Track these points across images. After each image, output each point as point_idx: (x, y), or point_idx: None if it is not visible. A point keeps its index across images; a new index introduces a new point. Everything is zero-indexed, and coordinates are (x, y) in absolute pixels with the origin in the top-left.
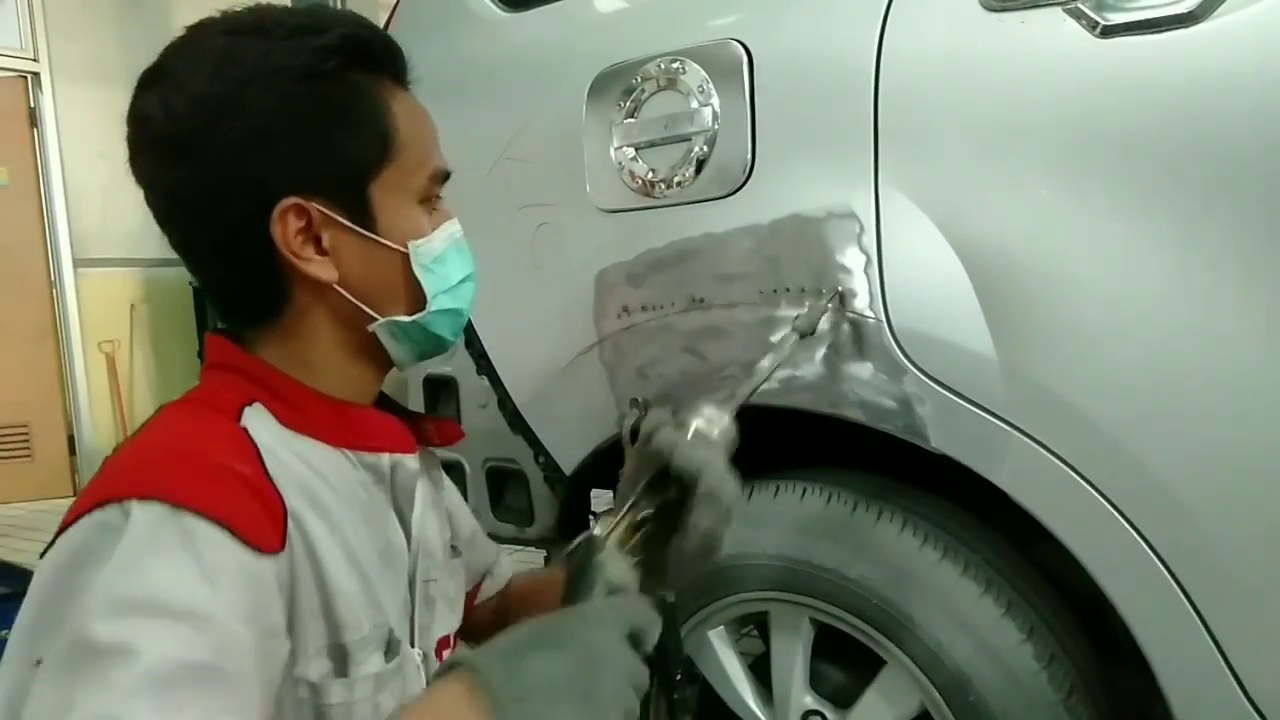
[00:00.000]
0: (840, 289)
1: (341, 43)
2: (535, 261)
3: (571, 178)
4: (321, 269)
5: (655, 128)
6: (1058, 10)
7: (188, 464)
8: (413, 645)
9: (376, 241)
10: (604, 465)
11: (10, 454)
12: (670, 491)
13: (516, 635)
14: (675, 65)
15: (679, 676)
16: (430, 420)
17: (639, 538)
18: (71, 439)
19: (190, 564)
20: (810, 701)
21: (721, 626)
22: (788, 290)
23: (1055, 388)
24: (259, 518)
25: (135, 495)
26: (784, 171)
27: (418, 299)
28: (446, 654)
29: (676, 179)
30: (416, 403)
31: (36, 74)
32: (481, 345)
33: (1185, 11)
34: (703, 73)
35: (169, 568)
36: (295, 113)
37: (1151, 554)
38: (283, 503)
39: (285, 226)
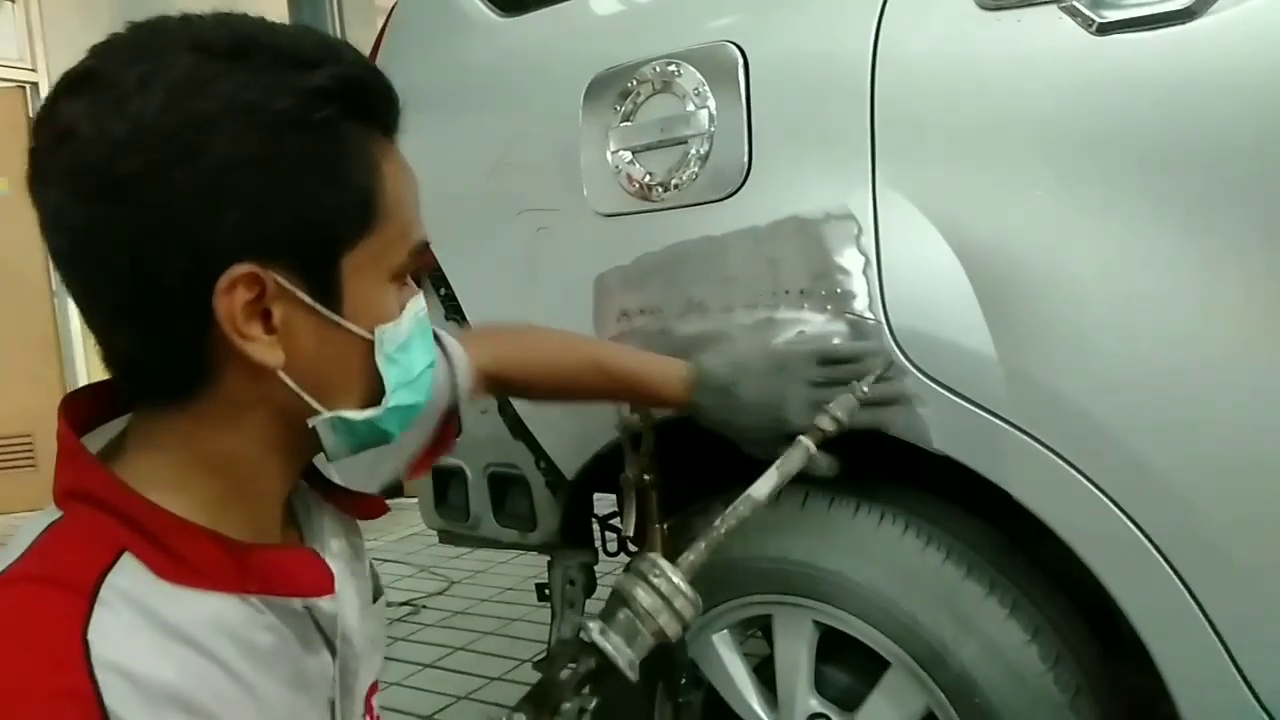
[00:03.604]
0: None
1: (336, 85)
2: (534, 266)
3: (569, 182)
4: (267, 352)
5: (652, 131)
6: (1053, 8)
7: None
8: None
9: (338, 324)
10: (605, 470)
11: (14, 464)
12: (592, 701)
13: None
14: (671, 68)
15: (683, 681)
16: (350, 497)
17: None
18: None
19: None
20: (815, 704)
21: (726, 630)
22: (786, 293)
23: (1056, 387)
24: None
25: None
26: (781, 174)
27: (373, 391)
28: (375, 699)
29: (674, 182)
30: None
31: (35, 84)
32: None
33: (1181, 8)
34: (698, 75)
35: None
36: (269, 165)
37: (1156, 553)
38: None
39: (233, 298)
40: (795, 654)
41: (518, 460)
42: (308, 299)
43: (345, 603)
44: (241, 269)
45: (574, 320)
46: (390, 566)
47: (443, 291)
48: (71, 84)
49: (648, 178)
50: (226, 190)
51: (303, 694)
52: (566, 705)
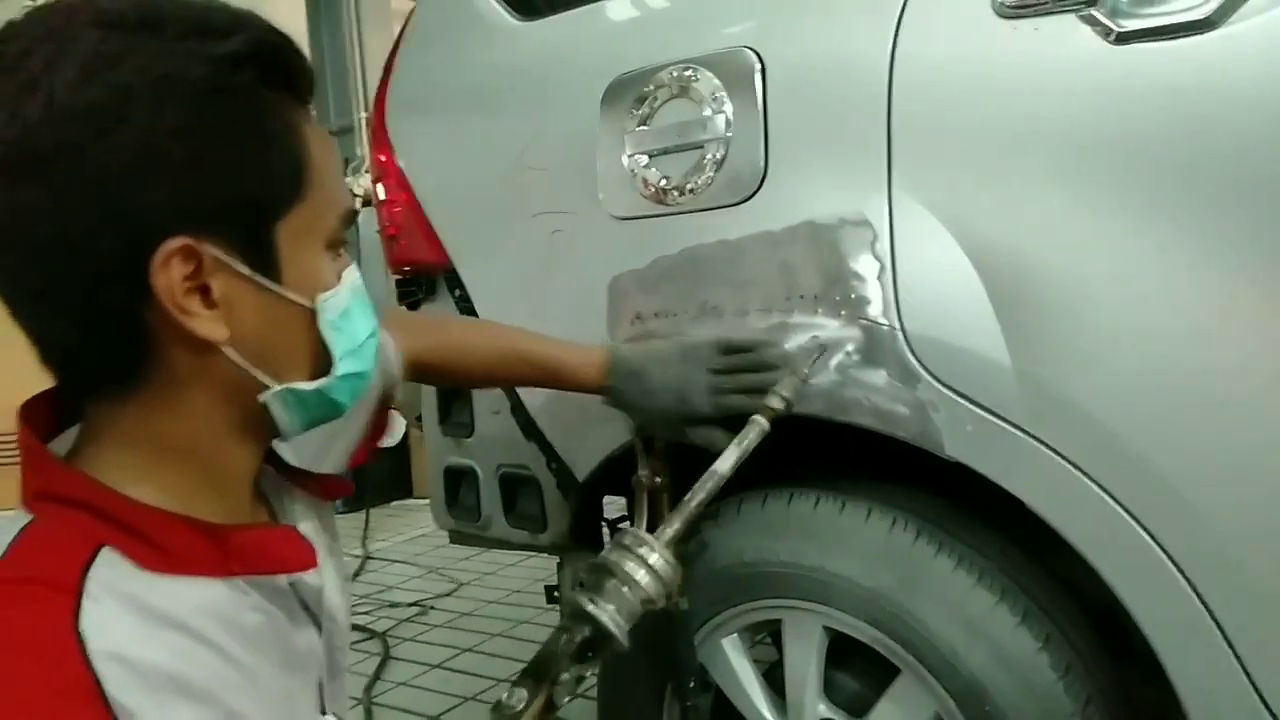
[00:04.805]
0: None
1: (250, 51)
2: (548, 268)
3: (585, 185)
4: (210, 327)
5: (668, 135)
6: (1072, 17)
7: None
8: (324, 712)
9: (279, 295)
10: (617, 472)
11: (12, 460)
12: (591, 667)
13: None
14: (688, 73)
15: (692, 684)
16: (314, 479)
17: None
18: None
19: None
20: (824, 709)
21: (735, 634)
22: (801, 298)
23: (1070, 394)
24: None
25: None
26: (797, 178)
27: (319, 362)
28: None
29: (689, 186)
30: (429, 411)
31: None
32: None
33: (1201, 18)
34: (715, 80)
35: None
36: (192, 135)
37: (1169, 562)
38: None
39: (169, 273)
40: (805, 658)
41: (529, 461)
42: (246, 270)
43: (327, 580)
44: (175, 242)
45: (588, 322)
46: (398, 567)
47: (457, 292)
48: None
49: (663, 181)
50: (151, 163)
51: (294, 674)
52: (565, 675)
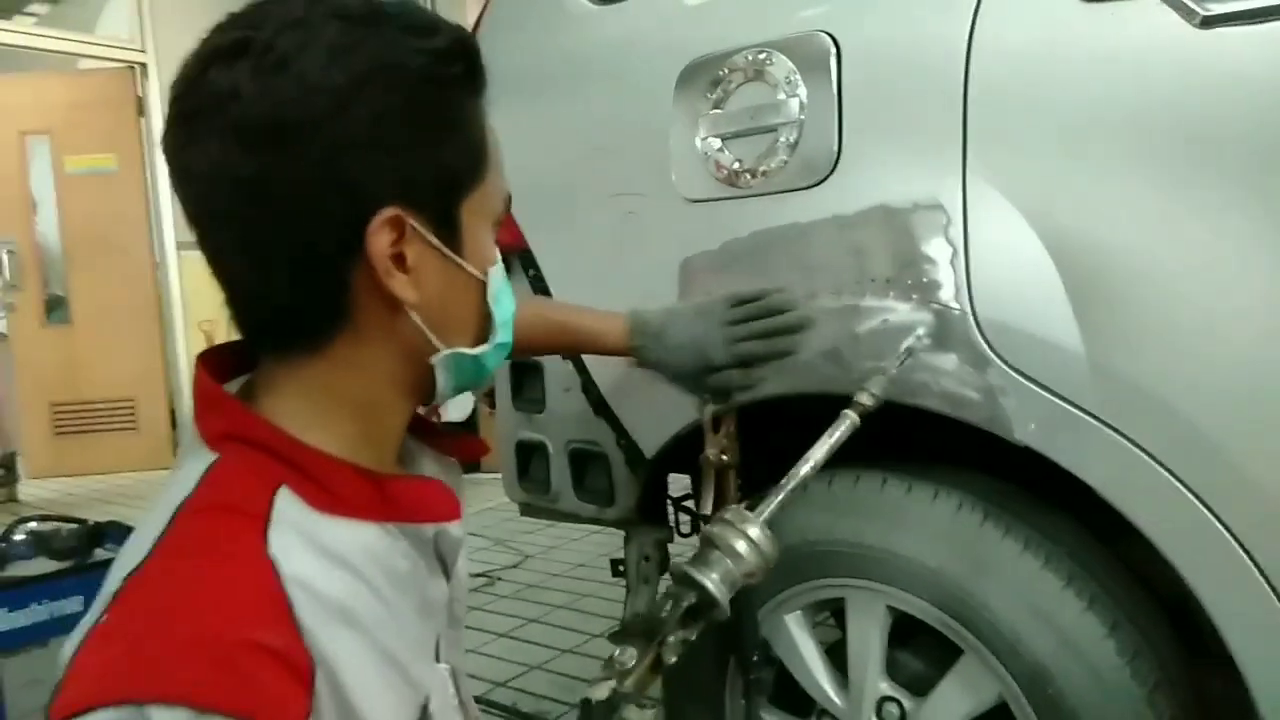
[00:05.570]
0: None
1: (453, 48)
2: (621, 249)
3: (658, 167)
4: (406, 289)
5: (742, 118)
6: (1155, 0)
7: (214, 651)
8: (438, 660)
9: (459, 265)
10: (684, 450)
11: (118, 426)
12: (696, 631)
13: None
14: (763, 56)
15: (755, 658)
16: (455, 438)
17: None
18: (173, 412)
19: None
20: (886, 688)
21: (799, 611)
22: (872, 281)
23: (1147, 384)
24: (288, 693)
25: (156, 698)
26: (870, 162)
27: (480, 330)
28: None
29: (762, 169)
30: (503, 386)
31: (144, 64)
32: None
33: None
34: (790, 64)
35: None
36: (413, 115)
37: (1245, 555)
38: (311, 661)
39: (381, 237)
40: (867, 637)
41: (599, 437)
42: (437, 242)
43: (461, 560)
44: (390, 211)
45: (660, 303)
46: (467, 539)
47: (531, 272)
48: (225, 53)
49: (736, 164)
50: (378, 138)
51: (427, 621)
52: (671, 638)
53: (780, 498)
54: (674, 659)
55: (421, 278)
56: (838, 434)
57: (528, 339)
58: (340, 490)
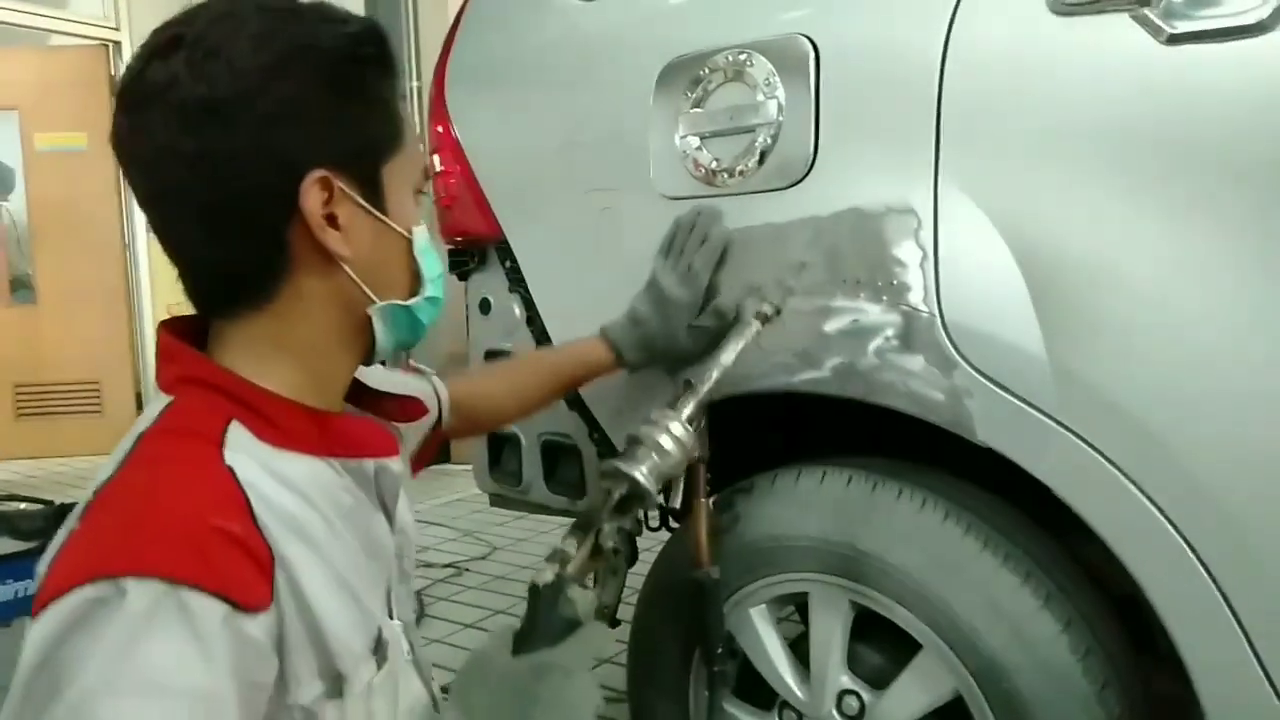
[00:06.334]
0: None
1: (367, 34)
2: (597, 244)
3: (636, 164)
4: (340, 244)
5: (721, 118)
6: (1125, 16)
7: (181, 532)
8: (391, 617)
9: (385, 224)
10: None
11: (82, 409)
12: (629, 519)
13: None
14: (743, 57)
15: (719, 651)
16: (394, 399)
17: (601, 566)
18: (139, 396)
19: (188, 641)
20: (846, 681)
21: (763, 605)
22: (844, 282)
23: (1104, 387)
24: (251, 578)
25: (130, 572)
26: (845, 165)
27: (411, 285)
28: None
29: (739, 169)
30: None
31: (117, 43)
32: (542, 324)
33: (1254, 22)
34: (769, 66)
35: (167, 646)
36: (333, 89)
37: (1193, 557)
38: (271, 553)
39: (311, 197)
40: (830, 631)
41: (571, 431)
42: (363, 201)
43: (403, 508)
44: (318, 173)
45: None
46: (435, 529)
47: (508, 264)
48: (160, 49)
49: (714, 163)
50: (302, 111)
51: (373, 560)
52: (606, 526)
53: (698, 398)
54: (610, 544)
55: (352, 235)
56: (744, 338)
57: (535, 397)
58: (287, 425)
